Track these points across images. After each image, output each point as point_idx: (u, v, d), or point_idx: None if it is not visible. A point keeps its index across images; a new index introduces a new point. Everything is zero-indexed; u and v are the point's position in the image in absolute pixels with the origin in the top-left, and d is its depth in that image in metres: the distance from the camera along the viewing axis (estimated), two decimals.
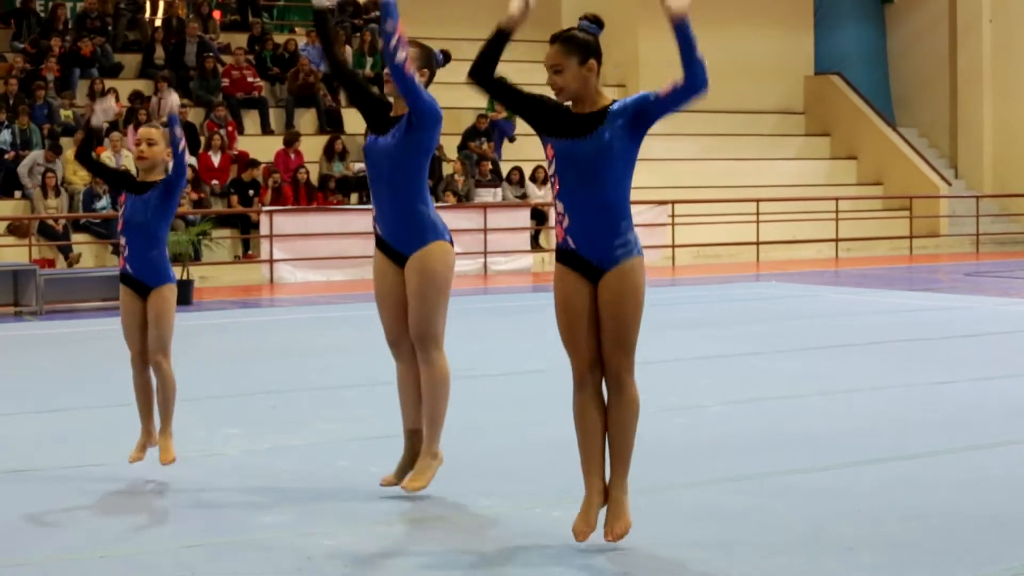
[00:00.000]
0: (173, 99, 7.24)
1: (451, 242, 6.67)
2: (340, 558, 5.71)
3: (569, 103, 5.80)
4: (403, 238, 6.56)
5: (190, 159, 22.58)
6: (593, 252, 5.71)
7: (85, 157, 7.34)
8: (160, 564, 5.65)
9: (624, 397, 5.79)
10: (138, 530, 6.21)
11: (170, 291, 7.22)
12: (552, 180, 5.83)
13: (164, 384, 7.25)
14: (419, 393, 6.67)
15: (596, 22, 5.84)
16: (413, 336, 6.57)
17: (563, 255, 5.76)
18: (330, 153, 23.76)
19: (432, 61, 6.66)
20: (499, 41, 5.80)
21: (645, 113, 5.67)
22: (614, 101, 5.75)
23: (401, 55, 6.12)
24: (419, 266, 6.52)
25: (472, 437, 8.15)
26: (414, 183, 6.51)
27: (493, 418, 8.02)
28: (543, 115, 5.80)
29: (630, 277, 5.72)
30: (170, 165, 7.05)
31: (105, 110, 7.33)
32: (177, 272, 18.52)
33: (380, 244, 6.69)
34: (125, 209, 7.09)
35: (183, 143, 7.02)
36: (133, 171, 7.36)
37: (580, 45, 5.72)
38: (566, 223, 5.74)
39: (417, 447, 6.71)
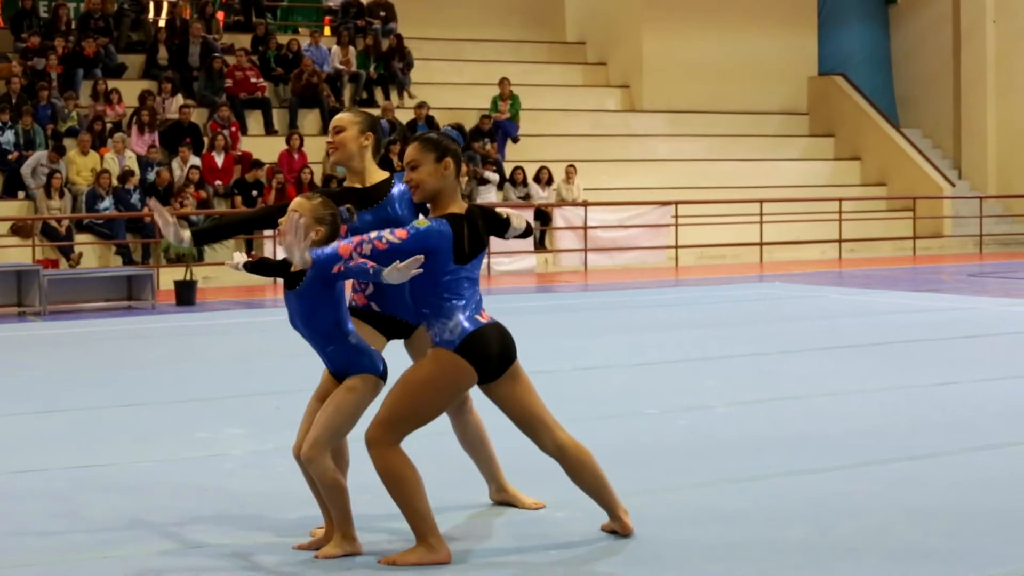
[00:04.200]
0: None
1: None
2: (344, 559, 5.70)
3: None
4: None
5: (194, 160, 22.59)
6: None
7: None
8: (164, 564, 5.65)
9: None
10: (141, 530, 6.20)
11: (360, 382, 5.74)
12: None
13: (320, 482, 5.76)
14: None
15: (460, 131, 5.90)
16: None
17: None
18: None
19: (377, 127, 6.43)
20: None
21: None
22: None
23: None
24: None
25: None
26: None
27: (499, 419, 7.97)
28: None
29: None
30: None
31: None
32: (180, 273, 18.63)
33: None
34: (286, 304, 5.85)
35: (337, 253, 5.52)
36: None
37: (435, 145, 5.72)
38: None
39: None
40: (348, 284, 5.87)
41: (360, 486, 6.32)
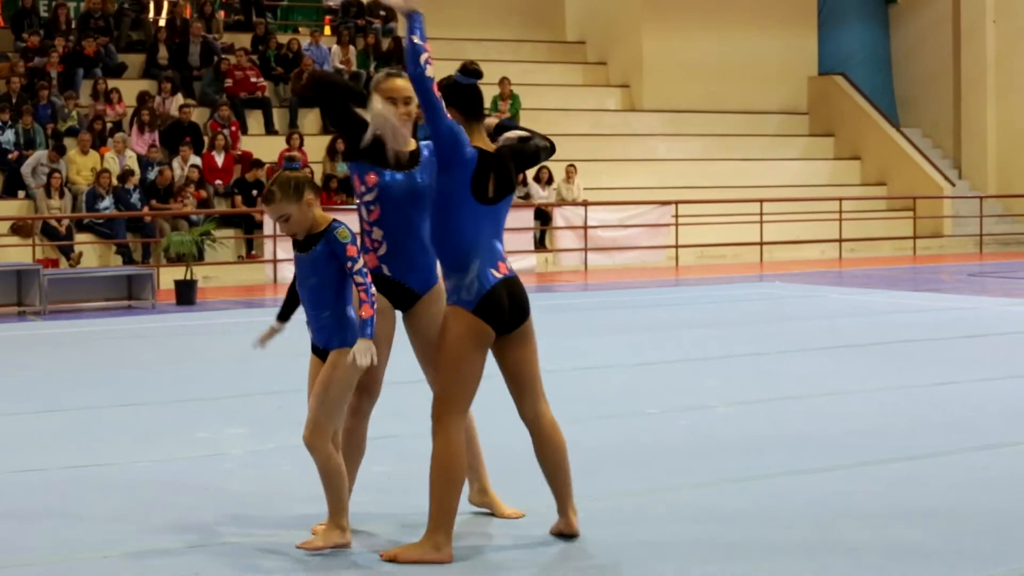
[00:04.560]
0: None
1: None
2: (345, 557, 5.70)
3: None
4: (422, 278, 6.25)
5: (195, 159, 22.59)
6: None
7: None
8: (164, 564, 5.65)
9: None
10: (141, 530, 6.20)
11: (340, 356, 5.79)
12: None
13: (320, 467, 5.80)
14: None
15: (466, 71, 5.88)
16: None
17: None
18: (334, 153, 23.75)
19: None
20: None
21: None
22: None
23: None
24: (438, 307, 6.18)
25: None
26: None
27: (498, 419, 7.98)
28: None
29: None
30: (324, 219, 5.87)
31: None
32: (180, 272, 18.63)
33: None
34: (295, 265, 6.05)
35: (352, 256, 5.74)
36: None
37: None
38: None
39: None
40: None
41: (359, 486, 6.33)
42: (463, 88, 5.82)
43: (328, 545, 5.77)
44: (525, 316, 5.85)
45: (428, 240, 5.96)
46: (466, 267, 5.69)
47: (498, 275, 5.72)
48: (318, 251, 5.82)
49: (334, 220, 5.88)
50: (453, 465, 5.66)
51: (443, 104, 5.64)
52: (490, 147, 5.79)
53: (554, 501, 5.98)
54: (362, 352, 5.68)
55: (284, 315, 6.21)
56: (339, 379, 5.80)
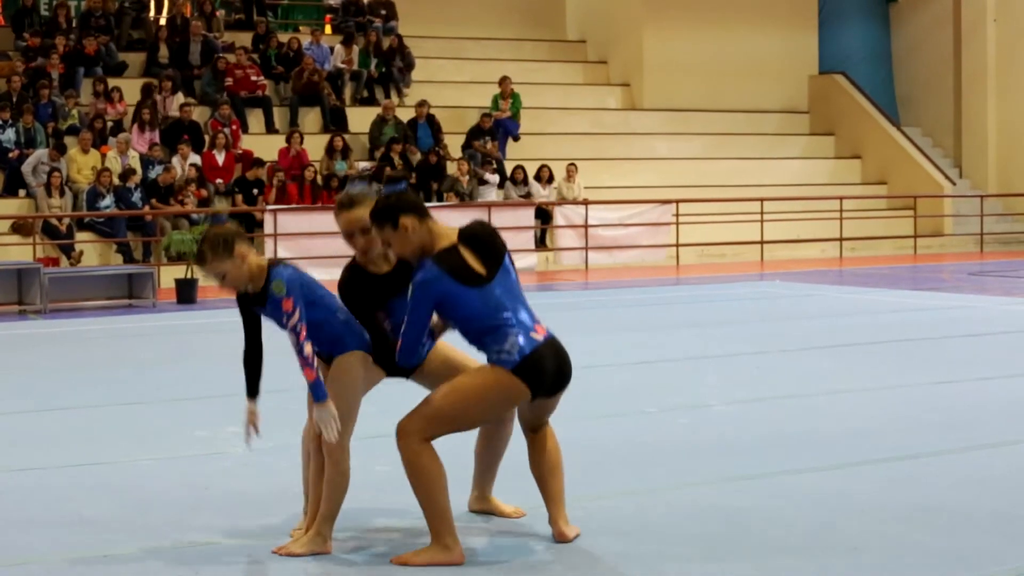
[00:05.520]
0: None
1: None
2: (345, 557, 5.70)
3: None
4: None
5: (194, 158, 22.59)
6: None
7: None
8: (164, 564, 5.65)
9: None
10: (141, 529, 6.20)
11: (344, 361, 5.85)
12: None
13: (331, 470, 5.79)
14: None
15: (394, 180, 5.74)
16: None
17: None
18: (332, 152, 23.74)
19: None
20: None
21: None
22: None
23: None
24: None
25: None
26: None
27: None
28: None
29: None
30: (262, 270, 5.89)
31: None
32: (181, 271, 18.63)
33: None
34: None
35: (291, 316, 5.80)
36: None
37: (385, 215, 5.66)
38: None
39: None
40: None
41: (360, 487, 6.33)
42: (403, 195, 5.67)
43: (308, 552, 5.73)
44: (565, 383, 5.76)
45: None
46: (504, 339, 5.57)
47: (538, 337, 5.64)
48: (270, 310, 5.82)
49: (271, 269, 5.77)
50: (425, 466, 5.56)
51: (416, 299, 5.56)
52: (450, 236, 5.62)
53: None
54: (325, 423, 5.63)
55: (253, 391, 5.99)
56: (346, 383, 5.78)
